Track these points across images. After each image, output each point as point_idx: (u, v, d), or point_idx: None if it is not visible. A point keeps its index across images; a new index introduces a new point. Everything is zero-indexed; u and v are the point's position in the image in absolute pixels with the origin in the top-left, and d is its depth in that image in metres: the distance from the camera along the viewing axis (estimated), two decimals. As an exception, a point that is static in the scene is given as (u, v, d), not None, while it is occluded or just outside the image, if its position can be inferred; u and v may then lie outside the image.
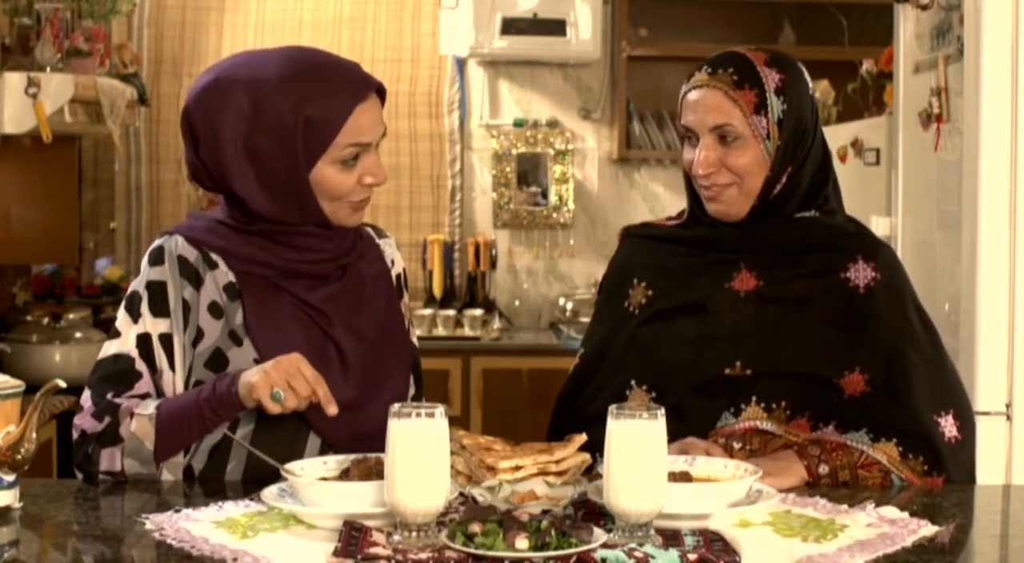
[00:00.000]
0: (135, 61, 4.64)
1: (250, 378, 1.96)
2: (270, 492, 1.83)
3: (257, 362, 2.04)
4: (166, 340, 2.07)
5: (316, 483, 1.80)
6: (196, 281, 2.09)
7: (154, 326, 2.07)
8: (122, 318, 2.09)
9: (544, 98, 5.77)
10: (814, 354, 2.14)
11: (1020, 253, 3.19)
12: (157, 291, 2.08)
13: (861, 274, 2.18)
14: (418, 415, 1.64)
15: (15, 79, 3.71)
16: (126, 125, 4.90)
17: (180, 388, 2.07)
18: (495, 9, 5.35)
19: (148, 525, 1.75)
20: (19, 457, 1.81)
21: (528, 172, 5.76)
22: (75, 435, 2.06)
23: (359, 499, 1.75)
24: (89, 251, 5.34)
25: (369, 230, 2.27)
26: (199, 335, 2.08)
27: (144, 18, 5.56)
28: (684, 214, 2.31)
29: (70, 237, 4.46)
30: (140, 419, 2.00)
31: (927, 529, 1.76)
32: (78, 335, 4.08)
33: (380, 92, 2.11)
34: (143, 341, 2.07)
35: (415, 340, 2.30)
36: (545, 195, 5.75)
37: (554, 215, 5.75)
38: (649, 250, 2.31)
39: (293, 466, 1.86)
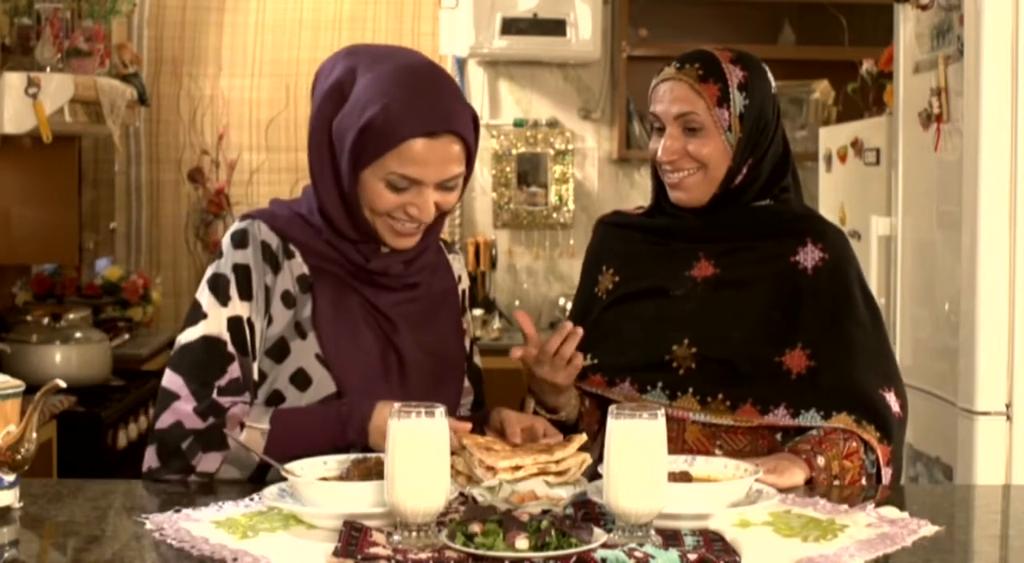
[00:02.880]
0: (135, 61, 4.64)
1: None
2: (270, 492, 1.83)
3: (318, 358, 2.04)
4: (251, 325, 2.06)
5: (316, 483, 1.80)
6: (275, 268, 2.08)
7: (243, 309, 2.06)
8: (208, 300, 2.06)
9: (544, 98, 5.78)
10: (758, 333, 2.22)
11: (1020, 253, 3.19)
12: (242, 275, 2.06)
13: (810, 256, 2.28)
14: (418, 415, 1.64)
15: (15, 79, 3.72)
16: (126, 125, 4.90)
17: (257, 375, 2.06)
18: (495, 9, 5.36)
19: (148, 525, 1.75)
20: (19, 457, 1.81)
21: (528, 172, 5.77)
22: (167, 421, 2.01)
23: (359, 499, 1.75)
24: (89, 251, 5.33)
25: (441, 244, 2.27)
26: (270, 322, 2.07)
27: (144, 18, 5.55)
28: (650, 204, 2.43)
29: (70, 237, 4.46)
30: (252, 432, 1.99)
31: (927, 529, 1.76)
32: (78, 335, 4.08)
33: (464, 135, 2.03)
34: (234, 324, 2.05)
35: (478, 360, 2.31)
36: (545, 195, 5.75)
37: (554, 215, 5.75)
38: (618, 238, 2.44)
39: (293, 466, 1.86)
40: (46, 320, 4.12)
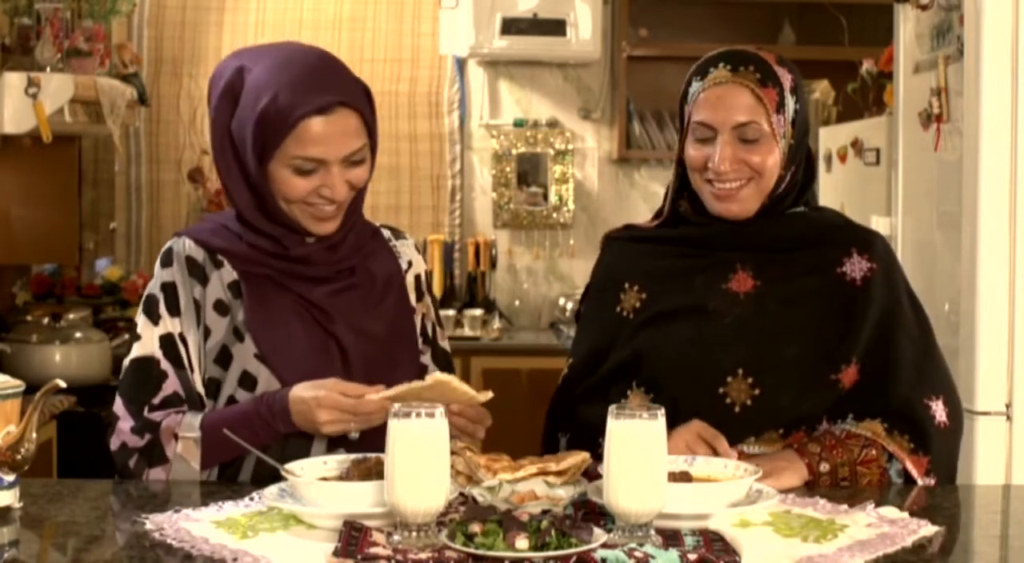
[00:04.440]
0: (135, 61, 4.64)
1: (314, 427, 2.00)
2: (270, 492, 1.83)
3: (257, 357, 2.07)
4: (183, 339, 2.11)
5: (316, 483, 1.80)
6: (203, 280, 2.13)
7: (174, 326, 2.11)
8: (142, 322, 2.13)
9: (544, 98, 5.77)
10: (814, 351, 2.14)
11: (1020, 253, 3.19)
12: (170, 292, 2.12)
13: (857, 267, 2.18)
14: (418, 415, 1.64)
15: (15, 79, 3.72)
16: (126, 125, 4.90)
17: (200, 386, 2.10)
18: (495, 9, 5.35)
19: (148, 525, 1.75)
20: (19, 457, 1.81)
21: (528, 172, 5.76)
22: (116, 444, 2.09)
23: (359, 499, 1.75)
24: (89, 251, 5.33)
25: (386, 231, 2.29)
26: (207, 333, 2.11)
27: (144, 18, 5.56)
28: (663, 213, 2.29)
29: (70, 237, 4.46)
30: (185, 442, 2.04)
31: (927, 529, 1.76)
32: (78, 335, 4.07)
33: (356, 106, 2.05)
34: (166, 341, 2.10)
35: (446, 344, 2.31)
36: (545, 195, 5.75)
37: (554, 215, 5.75)
38: (635, 253, 2.29)
39: (293, 466, 1.86)
40: (46, 320, 4.12)
